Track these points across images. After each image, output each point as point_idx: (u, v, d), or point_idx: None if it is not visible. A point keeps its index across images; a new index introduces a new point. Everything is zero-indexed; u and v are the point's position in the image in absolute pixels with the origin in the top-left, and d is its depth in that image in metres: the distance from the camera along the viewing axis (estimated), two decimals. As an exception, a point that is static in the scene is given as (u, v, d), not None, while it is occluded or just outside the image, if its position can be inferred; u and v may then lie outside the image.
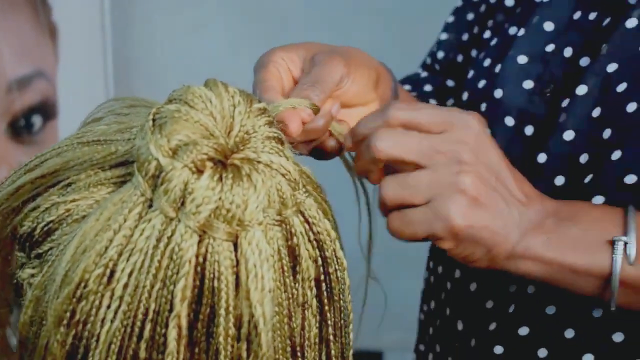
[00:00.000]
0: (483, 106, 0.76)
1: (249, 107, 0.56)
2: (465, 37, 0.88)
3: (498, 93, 0.74)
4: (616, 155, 0.64)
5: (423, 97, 0.88)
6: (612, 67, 0.66)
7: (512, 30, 0.77)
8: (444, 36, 0.91)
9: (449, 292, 0.79)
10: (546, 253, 0.59)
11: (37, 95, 1.61)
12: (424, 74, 0.91)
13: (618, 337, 0.66)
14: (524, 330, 0.69)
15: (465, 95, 0.80)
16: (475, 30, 0.86)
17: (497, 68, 0.75)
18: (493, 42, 0.79)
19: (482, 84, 0.77)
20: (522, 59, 0.74)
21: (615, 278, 0.58)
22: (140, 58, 1.80)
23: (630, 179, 0.63)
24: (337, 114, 0.62)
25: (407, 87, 0.91)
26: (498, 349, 0.70)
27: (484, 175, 0.56)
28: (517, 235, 0.58)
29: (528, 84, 0.72)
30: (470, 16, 0.88)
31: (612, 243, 0.58)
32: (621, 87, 0.64)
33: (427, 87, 0.90)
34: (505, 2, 0.82)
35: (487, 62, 0.78)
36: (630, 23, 0.66)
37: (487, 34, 0.83)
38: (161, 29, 1.81)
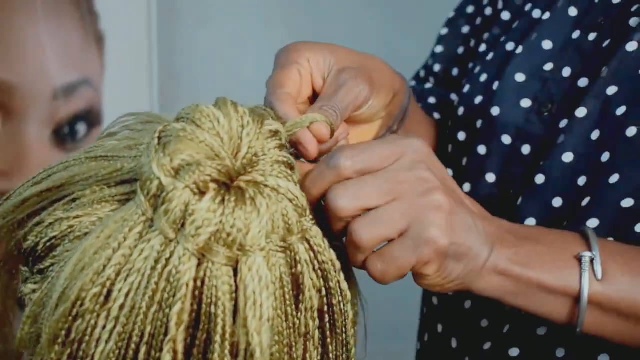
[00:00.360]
0: (479, 123, 0.75)
1: (259, 128, 0.55)
2: (460, 50, 0.87)
3: (495, 110, 0.73)
4: (614, 178, 0.63)
5: (427, 110, 0.87)
6: (612, 90, 0.66)
7: (510, 46, 0.76)
8: (439, 49, 0.90)
9: (437, 307, 0.78)
10: (514, 268, 0.57)
11: (83, 103, 1.63)
12: (428, 85, 0.90)
13: (604, 358, 0.64)
14: (514, 352, 0.68)
15: (461, 111, 0.78)
16: (472, 43, 0.85)
17: (495, 85, 0.75)
18: (489, 56, 0.78)
19: (478, 100, 0.76)
20: (520, 77, 0.73)
21: (584, 295, 0.57)
22: (185, 68, 1.81)
23: (627, 202, 0.63)
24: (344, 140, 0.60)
25: (413, 82, 0.92)
26: None
27: (448, 190, 0.54)
28: (487, 250, 0.56)
29: (526, 103, 0.72)
30: (465, 29, 0.87)
31: (579, 259, 0.57)
32: (621, 111, 0.64)
33: (431, 99, 0.89)
34: (502, 15, 0.81)
35: (483, 78, 0.77)
36: (631, 46, 0.66)
37: (482, 48, 0.82)
38: (207, 40, 1.82)
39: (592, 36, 0.70)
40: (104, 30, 1.66)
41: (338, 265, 0.55)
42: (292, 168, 0.55)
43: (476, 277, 0.56)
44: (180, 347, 0.51)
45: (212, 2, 1.82)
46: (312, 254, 0.54)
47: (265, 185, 0.53)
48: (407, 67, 1.79)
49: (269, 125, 0.55)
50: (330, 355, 0.56)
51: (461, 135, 0.78)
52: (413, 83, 0.92)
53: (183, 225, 0.50)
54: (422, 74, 0.92)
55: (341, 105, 0.59)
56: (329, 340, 0.56)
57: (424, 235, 0.52)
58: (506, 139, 0.72)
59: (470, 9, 0.86)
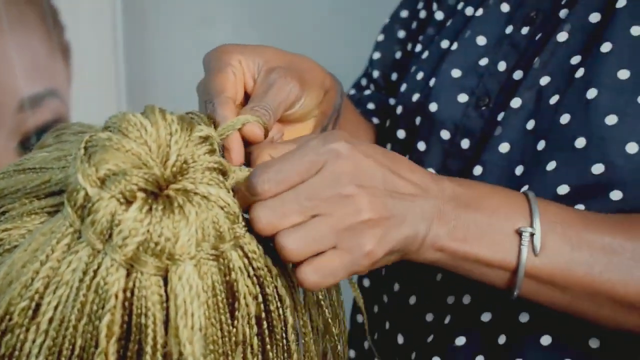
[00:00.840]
0: (417, 120, 0.76)
1: (188, 135, 0.54)
2: (398, 55, 0.88)
3: (433, 107, 0.74)
4: (550, 166, 0.65)
5: (366, 115, 0.87)
6: (545, 80, 0.67)
7: (444, 43, 0.77)
8: (376, 55, 0.90)
9: (387, 306, 0.78)
10: (451, 244, 0.57)
11: (50, 114, 1.62)
12: (367, 92, 0.91)
13: (546, 340, 0.65)
14: (460, 340, 0.69)
15: (399, 109, 0.79)
16: (409, 47, 0.86)
17: (431, 82, 0.75)
18: (424, 55, 0.79)
19: (416, 97, 0.77)
20: (456, 73, 0.74)
21: (522, 270, 0.58)
22: (153, 76, 1.81)
23: (563, 189, 0.64)
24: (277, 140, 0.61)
25: (352, 91, 0.92)
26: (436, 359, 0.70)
27: (375, 192, 0.53)
28: (424, 228, 0.56)
29: (463, 98, 0.73)
30: (401, 34, 0.88)
31: (519, 234, 0.58)
32: (554, 100, 0.66)
33: (370, 105, 0.89)
34: (436, 15, 0.82)
35: (420, 76, 0.78)
36: (561, 37, 0.68)
37: (418, 48, 0.82)
38: (174, 49, 1.82)
39: (524, 30, 0.71)
40: (70, 41, 1.65)
41: (275, 271, 0.55)
42: (224, 174, 0.55)
43: (415, 254, 0.57)
44: (112, 359, 0.50)
45: (179, 10, 1.82)
46: (246, 261, 0.54)
47: (195, 193, 0.52)
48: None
49: (199, 131, 0.55)
50: None
51: (400, 133, 0.78)
52: (353, 91, 0.92)
53: (110, 235, 0.50)
54: (363, 82, 0.92)
55: (272, 104, 0.59)
56: (268, 347, 0.55)
57: (359, 251, 0.53)
58: (445, 134, 0.73)
59: (404, 14, 0.88)
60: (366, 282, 0.82)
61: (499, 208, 0.59)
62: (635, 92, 0.63)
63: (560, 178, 0.65)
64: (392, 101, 0.87)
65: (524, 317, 0.66)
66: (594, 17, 0.67)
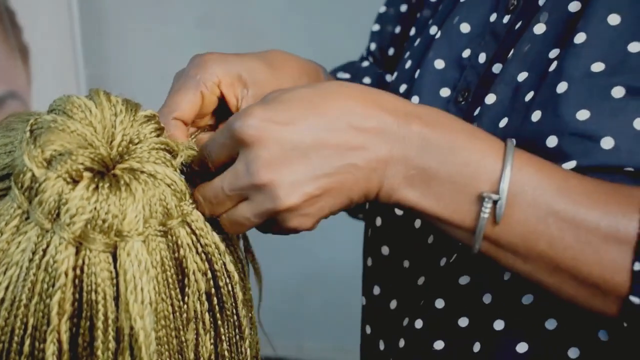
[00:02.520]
0: None
1: (132, 115, 0.56)
2: (397, 29, 0.85)
3: (415, 100, 0.71)
4: None
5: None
6: (522, 76, 0.63)
7: (433, 30, 0.74)
8: (375, 27, 0.87)
9: (368, 310, 0.77)
10: (408, 197, 0.55)
11: (11, 116, 1.62)
12: (365, 64, 0.88)
13: (522, 347, 0.63)
14: (439, 344, 0.67)
15: None
16: (408, 23, 0.81)
17: (417, 73, 0.72)
18: (416, 42, 0.77)
19: (403, 88, 0.74)
20: (440, 64, 0.71)
21: (479, 235, 0.55)
22: (113, 76, 1.81)
23: None
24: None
25: (347, 75, 0.89)
26: None
27: (293, 174, 0.52)
28: (376, 183, 0.55)
29: (445, 92, 0.70)
30: (403, 7, 0.84)
31: (482, 199, 0.54)
32: (529, 96, 0.62)
33: (366, 80, 0.87)
34: None
35: (408, 65, 0.75)
36: (539, 29, 0.64)
37: (412, 31, 0.79)
38: (134, 47, 1.82)
39: (506, 19, 0.68)
40: (28, 43, 1.66)
41: (222, 247, 0.56)
42: (171, 152, 0.56)
43: (374, 201, 0.57)
44: (64, 337, 0.51)
45: (137, 9, 1.82)
46: (194, 238, 0.55)
47: (142, 172, 0.54)
48: (339, 63, 1.81)
49: (144, 111, 0.56)
50: (223, 337, 0.57)
51: None
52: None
53: (58, 215, 0.51)
54: (365, 53, 0.90)
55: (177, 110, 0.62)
56: (220, 322, 0.57)
57: (287, 227, 0.55)
58: None
59: None
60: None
61: (467, 164, 0.54)
62: (609, 84, 0.58)
63: None
64: (388, 77, 0.84)
65: (499, 325, 0.64)
66: (574, 6, 0.62)
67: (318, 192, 0.53)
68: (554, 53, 0.62)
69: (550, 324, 0.61)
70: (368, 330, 0.76)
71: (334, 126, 0.53)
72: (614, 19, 0.59)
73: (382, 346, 0.74)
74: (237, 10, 1.81)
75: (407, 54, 0.76)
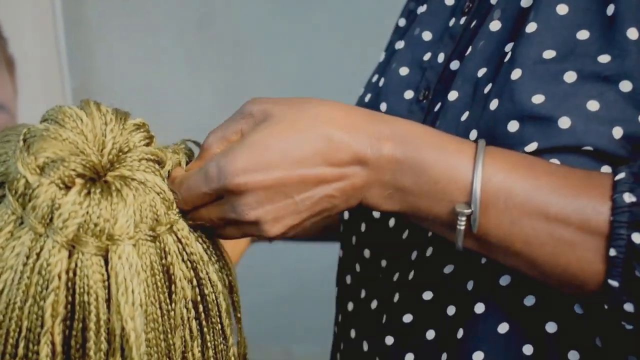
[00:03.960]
0: None
1: (122, 124, 0.58)
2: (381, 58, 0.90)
3: (383, 106, 0.75)
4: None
5: None
6: (481, 72, 0.67)
7: (398, 44, 0.79)
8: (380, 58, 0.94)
9: (351, 314, 0.80)
10: (390, 209, 0.60)
11: (-3, 128, 1.63)
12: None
13: (503, 328, 0.65)
14: (389, 340, 0.71)
15: None
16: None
17: (381, 82, 0.77)
18: (381, 58, 0.82)
19: (367, 98, 0.79)
20: (404, 71, 0.76)
21: (460, 240, 0.59)
22: (99, 87, 1.83)
23: None
24: None
25: None
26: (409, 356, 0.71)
27: (283, 213, 0.58)
28: (355, 203, 0.60)
29: (409, 94, 0.74)
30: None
31: (456, 213, 0.58)
32: (487, 88, 0.65)
33: None
34: (399, 22, 0.85)
35: (375, 78, 0.80)
36: (494, 26, 0.68)
37: (381, 57, 0.85)
38: (119, 58, 1.85)
39: (462, 20, 0.72)
40: (14, 54, 1.67)
41: (205, 257, 0.59)
42: (159, 163, 0.59)
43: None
44: (58, 339, 0.54)
45: (123, 19, 1.85)
46: (180, 246, 0.58)
47: (133, 179, 0.56)
48: (320, 71, 1.83)
49: (133, 120, 0.59)
50: (209, 344, 0.60)
51: None
52: None
53: (51, 219, 0.53)
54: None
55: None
56: (206, 330, 0.59)
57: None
58: None
59: (401, 22, 0.88)
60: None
61: (438, 181, 0.58)
62: (560, 70, 0.62)
63: None
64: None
65: (479, 308, 0.66)
66: (526, 2, 0.66)
67: (299, 222, 0.59)
68: (509, 47, 0.66)
69: (529, 301, 0.64)
70: (352, 334, 0.78)
71: (311, 162, 0.57)
72: (562, 9, 0.63)
73: (365, 347, 0.76)
74: (221, 23, 1.83)
75: (374, 70, 0.82)
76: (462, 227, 0.58)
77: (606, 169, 0.60)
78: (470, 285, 0.67)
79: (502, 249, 0.59)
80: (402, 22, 0.84)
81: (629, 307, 0.56)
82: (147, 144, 0.60)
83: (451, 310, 0.68)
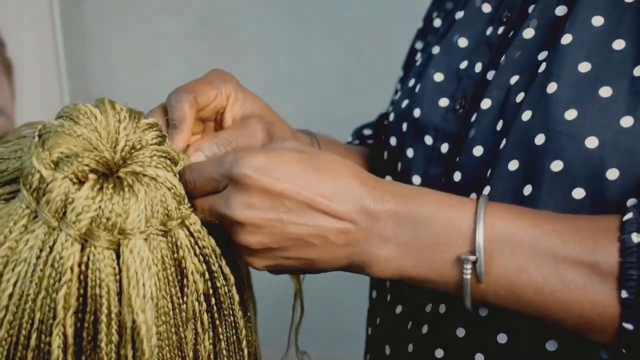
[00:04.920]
0: (404, 126, 0.77)
1: (135, 123, 0.60)
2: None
3: (417, 112, 0.75)
4: (513, 165, 0.64)
5: (362, 140, 0.93)
6: (514, 79, 0.67)
7: (435, 49, 0.79)
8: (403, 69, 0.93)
9: (382, 318, 0.81)
10: (387, 273, 0.60)
11: (-5, 132, 1.64)
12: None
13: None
14: (439, 353, 0.70)
15: (391, 117, 0.81)
16: None
17: (417, 87, 0.77)
18: (418, 62, 0.83)
19: (405, 104, 0.79)
20: (439, 77, 0.75)
21: (467, 294, 0.58)
22: (97, 90, 1.85)
23: (527, 189, 0.64)
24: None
25: (369, 131, 0.96)
26: None
27: (266, 225, 0.58)
28: (344, 259, 0.60)
29: (444, 102, 0.74)
30: (419, 45, 0.90)
31: (462, 262, 0.58)
32: (519, 97, 0.66)
33: (366, 131, 0.95)
34: (434, 23, 0.85)
35: (411, 82, 0.80)
36: (527, 33, 0.68)
37: (418, 56, 0.86)
38: (117, 61, 1.86)
39: (500, 30, 0.72)
40: (12, 58, 1.68)
41: (218, 250, 0.61)
42: (171, 160, 0.60)
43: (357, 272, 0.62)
44: (70, 331, 0.55)
45: (120, 23, 1.86)
46: (192, 240, 0.59)
47: (144, 175, 0.58)
48: (318, 73, 1.85)
49: (146, 119, 0.60)
50: (221, 336, 0.61)
51: (392, 141, 0.79)
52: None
53: (64, 213, 0.55)
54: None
55: (239, 144, 0.66)
56: (217, 322, 0.61)
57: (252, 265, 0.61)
58: (428, 140, 0.74)
59: (419, 24, 0.90)
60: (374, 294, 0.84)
61: (440, 234, 0.58)
62: (596, 84, 0.61)
63: (521, 177, 0.63)
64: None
65: (502, 339, 0.66)
66: (560, 10, 0.67)
67: (273, 246, 0.59)
68: (542, 55, 0.66)
69: (551, 346, 0.64)
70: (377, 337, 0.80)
71: (318, 192, 0.58)
72: (597, 20, 0.63)
73: (387, 351, 0.77)
74: (220, 26, 1.85)
75: (411, 74, 0.82)
76: (468, 277, 0.57)
77: (632, 201, 0.59)
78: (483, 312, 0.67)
79: (513, 300, 0.58)
80: (438, 23, 0.84)
81: None
82: (160, 143, 0.61)
83: (461, 332, 0.68)
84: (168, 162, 0.60)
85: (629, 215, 0.56)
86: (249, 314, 0.65)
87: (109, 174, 0.57)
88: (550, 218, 0.59)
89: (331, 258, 0.59)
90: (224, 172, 0.58)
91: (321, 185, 0.58)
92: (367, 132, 0.95)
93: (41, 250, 0.55)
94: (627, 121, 0.60)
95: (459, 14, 0.78)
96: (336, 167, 0.59)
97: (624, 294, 0.54)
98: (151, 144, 0.60)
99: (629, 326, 0.55)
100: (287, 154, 0.59)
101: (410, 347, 0.74)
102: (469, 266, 0.57)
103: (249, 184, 0.57)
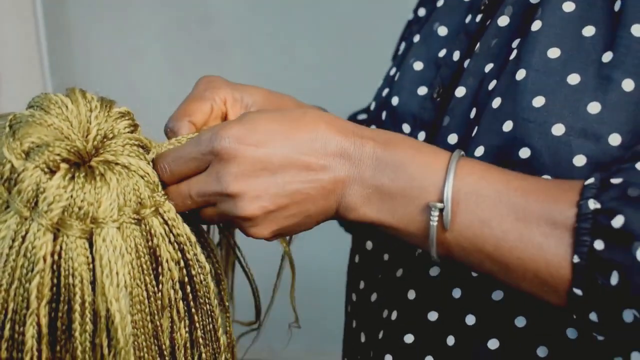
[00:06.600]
0: (384, 115, 0.78)
1: (107, 111, 0.60)
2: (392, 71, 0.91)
3: (395, 100, 0.76)
4: (479, 152, 0.65)
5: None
6: (488, 67, 0.68)
7: (416, 38, 0.79)
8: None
9: (354, 304, 0.82)
10: (366, 214, 0.61)
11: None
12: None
13: (493, 343, 0.66)
14: (409, 338, 0.71)
15: (372, 106, 0.82)
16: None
17: (397, 76, 0.78)
18: (400, 51, 0.84)
19: (385, 92, 0.80)
20: (418, 65, 0.76)
21: (433, 241, 0.59)
22: (80, 87, 1.84)
23: None
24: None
25: (364, 116, 0.97)
26: (388, 357, 0.73)
27: (260, 190, 0.59)
28: (333, 202, 0.61)
29: (422, 90, 0.75)
30: (407, 35, 0.90)
31: (429, 208, 0.59)
32: (492, 85, 0.66)
33: (361, 116, 0.95)
34: (419, 12, 0.86)
35: (392, 71, 0.81)
36: (502, 21, 0.68)
37: (402, 46, 0.86)
38: (100, 57, 1.86)
39: (478, 18, 0.73)
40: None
41: (193, 238, 0.61)
42: (144, 148, 0.60)
43: (336, 218, 0.63)
44: (43, 321, 0.55)
45: (103, 19, 1.86)
46: (166, 228, 0.59)
47: (116, 163, 0.58)
48: (302, 69, 1.85)
49: (118, 108, 0.60)
50: (197, 324, 0.61)
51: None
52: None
53: (36, 203, 0.55)
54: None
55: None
56: (193, 310, 0.61)
57: (247, 232, 0.61)
58: (406, 128, 0.75)
59: (410, 16, 0.90)
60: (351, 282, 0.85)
61: (414, 178, 0.59)
62: (564, 71, 0.62)
63: (491, 163, 0.63)
64: None
65: (470, 320, 0.67)
66: None
67: (276, 208, 0.60)
68: (516, 43, 0.66)
69: (520, 322, 0.65)
70: (354, 324, 0.80)
71: (299, 149, 0.59)
72: (568, 6, 0.64)
73: (363, 339, 0.78)
74: (202, 22, 1.85)
75: (392, 63, 0.83)
76: (435, 223, 0.58)
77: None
78: (457, 293, 0.68)
79: (474, 253, 0.59)
80: (422, 12, 0.85)
81: (593, 316, 0.55)
82: (132, 132, 0.61)
83: (433, 316, 0.69)
84: (141, 150, 0.60)
85: (590, 180, 0.56)
86: (226, 304, 0.66)
87: (81, 163, 0.57)
88: (518, 177, 0.59)
89: (324, 207, 0.61)
90: (203, 149, 0.59)
91: (302, 141, 0.59)
92: (361, 117, 0.96)
93: (13, 240, 0.55)
94: (594, 107, 0.60)
95: (440, 2, 0.79)
96: (311, 119, 0.60)
97: (576, 259, 0.55)
98: (123, 133, 0.61)
99: (578, 291, 0.55)
100: (260, 117, 0.60)
101: (380, 334, 0.74)
102: (436, 213, 0.58)
103: (234, 154, 0.58)
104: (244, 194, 0.58)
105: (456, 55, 0.73)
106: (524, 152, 0.62)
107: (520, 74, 0.63)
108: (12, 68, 1.69)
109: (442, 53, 0.75)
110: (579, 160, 0.60)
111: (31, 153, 0.56)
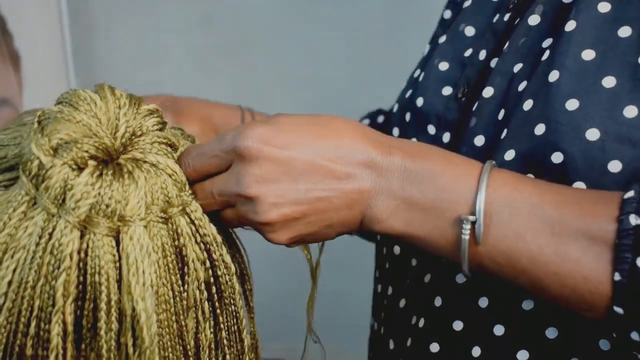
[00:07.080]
0: (408, 116, 0.77)
1: (135, 109, 0.59)
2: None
3: (419, 101, 0.75)
4: (509, 155, 0.63)
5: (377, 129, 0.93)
6: (517, 67, 0.66)
7: (442, 38, 0.78)
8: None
9: (383, 309, 0.80)
10: (394, 226, 0.59)
11: (2, 123, 1.64)
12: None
13: (522, 355, 0.65)
14: (434, 347, 0.70)
15: (395, 107, 0.81)
16: None
17: (421, 76, 0.76)
18: (425, 52, 0.83)
19: (408, 93, 0.78)
20: (444, 66, 0.75)
21: (465, 255, 0.57)
22: (104, 81, 1.85)
23: None
24: None
25: (366, 121, 0.96)
26: None
27: (281, 194, 0.57)
28: (358, 213, 0.59)
29: (447, 91, 0.73)
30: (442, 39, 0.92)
31: (461, 221, 0.57)
32: (522, 86, 0.64)
33: (380, 119, 0.94)
34: (444, 14, 0.85)
35: (417, 73, 0.80)
36: (533, 20, 0.67)
37: (426, 49, 0.85)
38: (124, 53, 1.86)
39: (506, 17, 0.71)
40: (19, 49, 1.68)
41: (219, 239, 0.60)
42: (172, 146, 0.60)
43: (361, 231, 0.61)
44: (69, 319, 0.55)
45: (128, 15, 1.86)
46: (193, 227, 0.59)
47: (145, 162, 0.58)
48: (326, 68, 1.84)
49: (147, 105, 0.60)
50: (222, 325, 0.61)
51: (395, 132, 0.79)
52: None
53: (64, 200, 0.55)
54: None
55: None
56: (218, 311, 0.60)
57: (265, 236, 0.60)
58: (431, 129, 0.73)
59: (447, 14, 0.88)
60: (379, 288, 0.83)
61: (445, 190, 0.58)
62: (599, 73, 0.60)
63: (521, 169, 0.62)
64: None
65: (499, 330, 0.66)
66: None
67: (296, 215, 0.58)
68: (547, 43, 0.64)
69: (551, 333, 0.63)
70: (382, 330, 0.79)
71: (324, 155, 0.57)
72: (603, 7, 0.62)
73: (391, 345, 0.76)
74: (227, 19, 1.84)
75: (417, 65, 0.82)
76: (467, 237, 0.57)
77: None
78: (483, 303, 0.66)
79: (508, 268, 0.57)
80: (448, 15, 0.84)
81: (635, 336, 0.54)
82: (160, 129, 0.61)
83: (458, 325, 0.68)
84: (169, 148, 0.60)
85: (630, 194, 0.54)
86: (251, 305, 0.65)
87: (109, 161, 0.57)
88: (552, 189, 0.58)
89: (347, 218, 0.59)
90: (226, 147, 0.58)
91: (328, 147, 0.57)
92: (380, 119, 0.95)
93: (40, 237, 0.55)
94: (630, 111, 0.58)
95: (467, 3, 0.78)
96: (339, 125, 0.59)
97: (617, 277, 0.53)
98: (152, 130, 0.60)
99: (619, 310, 0.53)
100: (287, 120, 0.58)
101: (409, 341, 0.73)
102: (468, 226, 0.56)
103: (257, 155, 0.56)
104: (263, 198, 0.57)
105: (482, 54, 0.71)
106: (557, 157, 0.60)
107: (554, 76, 0.61)
108: (37, 65, 1.69)
109: (468, 52, 0.74)
110: (614, 166, 0.58)
111: (59, 149, 0.55)
